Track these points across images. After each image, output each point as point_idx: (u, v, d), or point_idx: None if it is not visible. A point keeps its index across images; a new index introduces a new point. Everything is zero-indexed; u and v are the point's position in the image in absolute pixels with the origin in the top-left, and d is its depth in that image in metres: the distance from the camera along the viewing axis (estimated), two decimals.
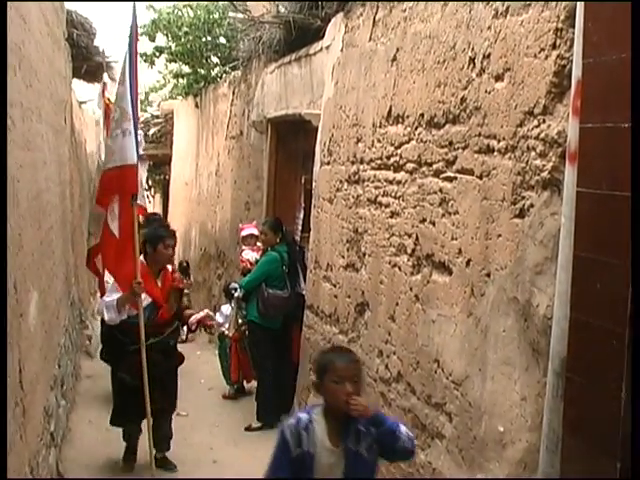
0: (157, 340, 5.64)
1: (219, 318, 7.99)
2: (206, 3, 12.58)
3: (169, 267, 6.11)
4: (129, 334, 5.54)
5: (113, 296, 5.54)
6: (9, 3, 3.65)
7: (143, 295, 5.60)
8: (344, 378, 3.19)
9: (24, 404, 3.72)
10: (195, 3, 12.67)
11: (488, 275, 3.73)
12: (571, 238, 3.00)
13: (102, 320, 5.99)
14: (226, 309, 7.91)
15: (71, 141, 9.10)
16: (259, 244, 7.81)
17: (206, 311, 6.79)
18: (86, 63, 9.81)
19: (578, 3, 2.99)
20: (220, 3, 12.48)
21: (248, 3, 9.48)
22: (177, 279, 6.13)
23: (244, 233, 8.19)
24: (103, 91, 7.65)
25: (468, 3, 4.04)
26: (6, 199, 2.56)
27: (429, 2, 4.53)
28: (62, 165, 7.24)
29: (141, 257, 5.74)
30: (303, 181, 8.71)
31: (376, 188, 5.23)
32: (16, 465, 3.42)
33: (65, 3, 7.93)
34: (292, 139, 8.71)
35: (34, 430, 4.17)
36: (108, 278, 6.09)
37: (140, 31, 13.24)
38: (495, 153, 3.70)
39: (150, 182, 19.18)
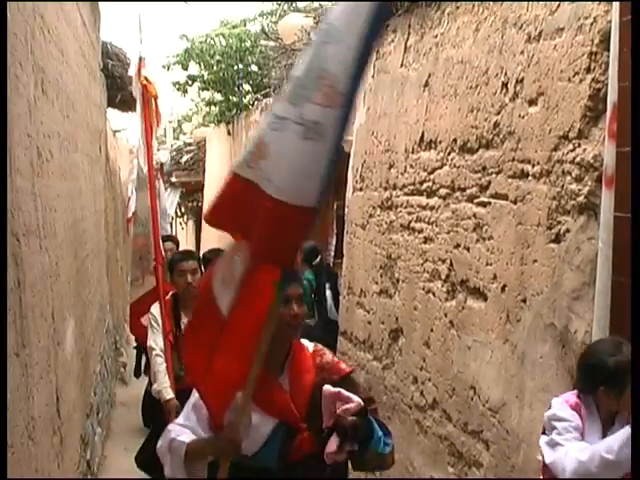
0: None
1: None
2: (238, 31, 12.73)
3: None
4: None
5: (184, 429, 2.80)
6: (47, 37, 3.73)
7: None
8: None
9: (61, 432, 3.74)
10: (227, 32, 12.83)
11: (524, 301, 3.69)
12: (609, 263, 2.96)
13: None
14: None
15: (106, 170, 9.23)
16: None
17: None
18: (120, 92, 9.96)
19: (613, 27, 2.97)
20: (252, 32, 12.63)
21: (280, 31, 9.57)
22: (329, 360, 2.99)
23: None
24: (139, 69, 6.29)
25: (500, 28, 4.04)
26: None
27: (461, 27, 4.54)
28: (97, 194, 7.34)
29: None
30: (335, 207, 8.71)
31: (409, 214, 5.22)
32: None
33: (101, 35, 8.06)
34: None
35: (71, 458, 4.19)
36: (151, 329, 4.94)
37: (173, 60, 13.45)
38: (530, 178, 3.68)
39: (183, 209, 19.35)
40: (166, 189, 18.30)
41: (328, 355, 3.01)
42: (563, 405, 2.82)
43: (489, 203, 4.09)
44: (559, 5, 3.48)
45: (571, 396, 2.86)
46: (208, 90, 13.86)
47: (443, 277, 4.63)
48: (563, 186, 3.38)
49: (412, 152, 5.17)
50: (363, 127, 6.30)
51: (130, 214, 14.85)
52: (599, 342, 2.94)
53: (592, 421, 2.79)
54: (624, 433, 2.60)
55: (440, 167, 4.73)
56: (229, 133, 13.87)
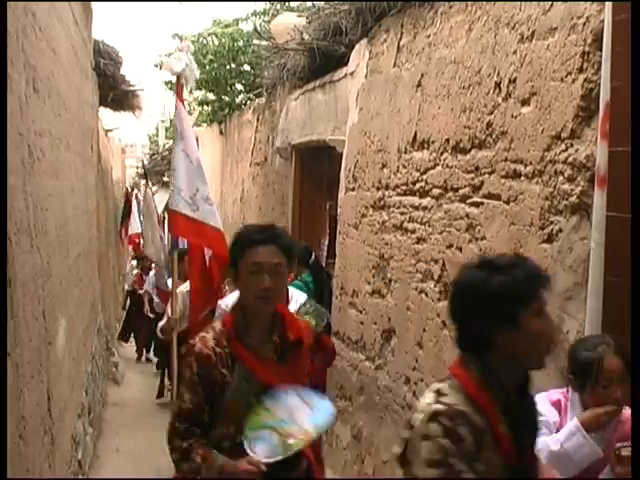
0: None
1: None
2: (230, 31, 12.71)
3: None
4: None
5: None
6: (39, 35, 3.71)
7: None
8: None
9: (52, 432, 3.72)
10: (220, 31, 12.80)
11: None
12: (601, 263, 2.96)
13: None
14: None
15: (97, 169, 9.20)
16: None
17: None
18: (112, 91, 9.95)
19: (605, 26, 2.98)
20: (245, 31, 12.61)
21: (272, 31, 9.55)
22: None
23: None
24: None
25: (493, 28, 4.04)
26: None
27: (453, 27, 4.54)
28: (89, 193, 7.31)
29: None
30: (328, 207, 8.70)
31: (402, 214, 5.21)
32: None
33: (93, 34, 8.04)
34: (317, 165, 8.72)
35: (62, 458, 4.17)
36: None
37: (165, 59, 13.43)
38: (522, 178, 3.68)
39: None
40: (157, 189, 18.29)
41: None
42: (543, 400, 2.84)
43: (482, 203, 4.09)
44: (552, 5, 3.48)
45: (555, 393, 2.88)
46: (200, 89, 13.81)
47: (436, 277, 4.63)
48: (556, 186, 3.38)
49: (405, 152, 5.17)
50: (356, 127, 6.29)
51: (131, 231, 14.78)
52: (587, 337, 2.97)
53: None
54: (571, 425, 2.65)
55: (433, 167, 4.72)
56: (221, 133, 13.85)
